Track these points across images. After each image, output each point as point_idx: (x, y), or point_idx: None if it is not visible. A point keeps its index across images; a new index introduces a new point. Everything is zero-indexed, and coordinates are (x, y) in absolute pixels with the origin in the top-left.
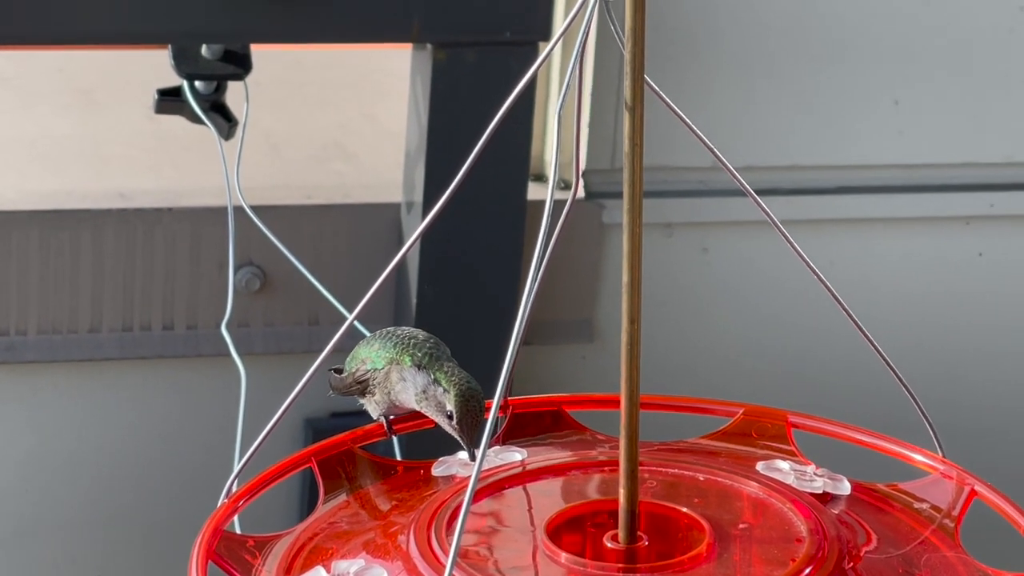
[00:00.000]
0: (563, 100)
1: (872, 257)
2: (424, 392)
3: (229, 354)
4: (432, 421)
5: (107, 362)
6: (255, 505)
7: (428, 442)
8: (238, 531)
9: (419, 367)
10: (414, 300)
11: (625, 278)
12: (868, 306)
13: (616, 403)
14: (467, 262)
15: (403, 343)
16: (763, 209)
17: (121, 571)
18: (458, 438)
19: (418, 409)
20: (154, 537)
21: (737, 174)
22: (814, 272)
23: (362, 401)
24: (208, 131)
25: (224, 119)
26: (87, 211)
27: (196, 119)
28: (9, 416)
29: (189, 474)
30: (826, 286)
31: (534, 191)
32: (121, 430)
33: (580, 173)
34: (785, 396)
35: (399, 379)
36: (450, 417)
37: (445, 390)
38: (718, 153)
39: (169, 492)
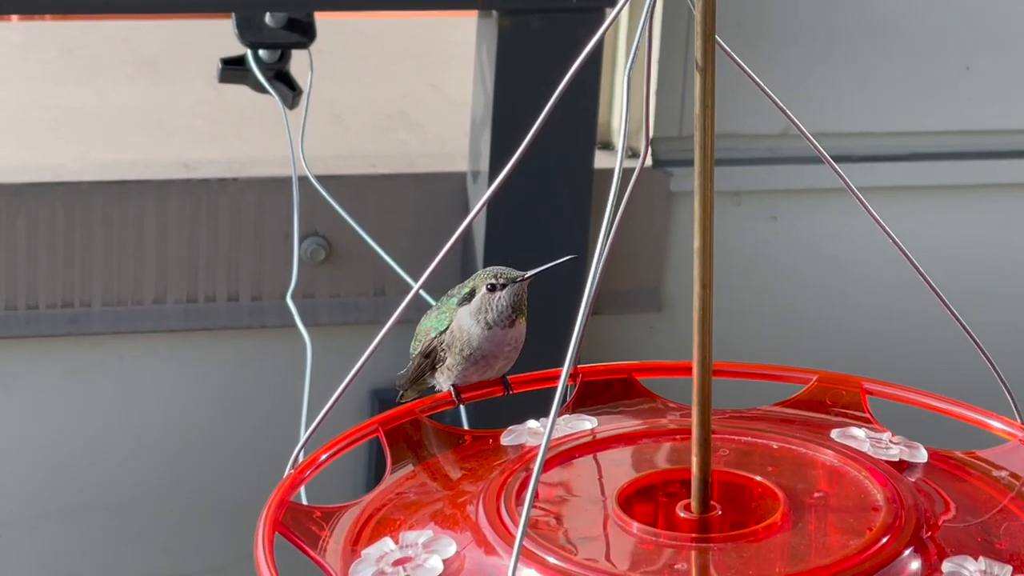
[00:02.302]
0: (632, 62)
1: (943, 224)
2: (478, 309)
3: (294, 325)
4: (500, 389)
5: (172, 334)
6: (320, 476)
7: (495, 413)
8: (304, 502)
9: (464, 300)
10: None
11: (697, 243)
12: (938, 273)
13: (687, 370)
14: (534, 231)
15: (448, 298)
16: (839, 174)
17: (187, 542)
18: (512, 293)
19: (489, 336)
20: (220, 508)
21: (810, 136)
22: (892, 238)
23: (432, 382)
24: (272, 100)
25: (288, 88)
26: (151, 182)
27: (260, 88)
28: (74, 388)
29: (254, 445)
30: (904, 252)
31: (601, 159)
32: (186, 402)
33: (650, 140)
34: (857, 363)
35: (460, 326)
36: (492, 289)
37: (480, 286)
38: (789, 113)
39: (234, 464)
